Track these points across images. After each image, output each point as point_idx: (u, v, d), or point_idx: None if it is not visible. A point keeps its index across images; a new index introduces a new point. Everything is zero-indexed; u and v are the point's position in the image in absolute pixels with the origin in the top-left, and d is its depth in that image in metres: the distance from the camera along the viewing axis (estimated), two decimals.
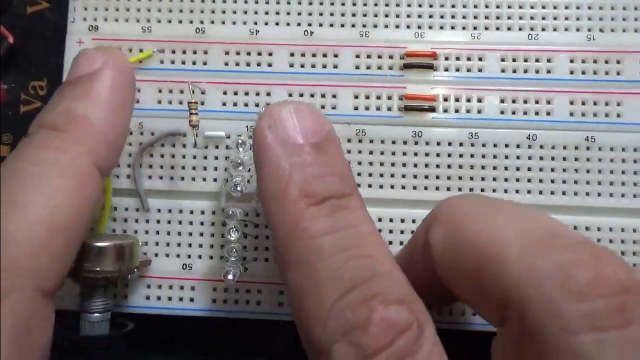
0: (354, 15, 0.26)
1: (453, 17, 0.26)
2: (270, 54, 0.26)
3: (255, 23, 0.26)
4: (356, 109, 0.25)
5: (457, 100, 0.25)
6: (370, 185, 0.25)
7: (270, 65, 0.26)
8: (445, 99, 0.25)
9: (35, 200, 0.18)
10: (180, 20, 0.26)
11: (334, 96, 0.25)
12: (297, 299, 0.17)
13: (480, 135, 0.25)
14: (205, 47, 0.26)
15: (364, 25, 0.26)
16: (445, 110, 0.25)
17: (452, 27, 0.26)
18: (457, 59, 0.25)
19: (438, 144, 0.25)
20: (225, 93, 0.26)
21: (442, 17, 0.26)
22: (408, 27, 0.26)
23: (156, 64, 0.26)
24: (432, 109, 0.25)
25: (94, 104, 0.20)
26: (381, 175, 0.25)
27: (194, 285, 0.25)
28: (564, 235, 0.16)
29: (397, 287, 0.16)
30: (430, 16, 0.26)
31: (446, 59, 0.25)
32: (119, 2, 0.26)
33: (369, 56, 0.26)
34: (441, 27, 0.26)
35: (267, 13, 0.26)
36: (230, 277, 0.23)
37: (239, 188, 0.23)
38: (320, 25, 0.26)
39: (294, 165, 0.18)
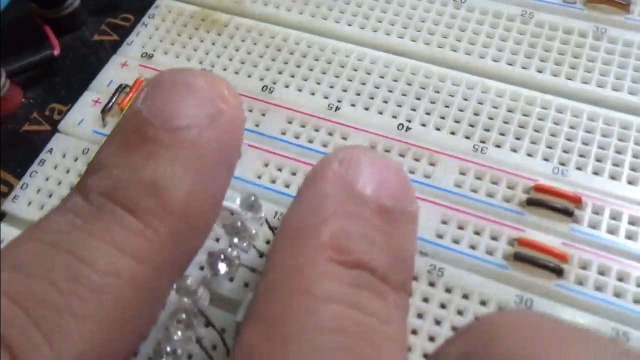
0: (471, 125, 0.18)
1: (616, 165, 0.17)
2: (344, 138, 0.19)
3: (340, 101, 0.19)
4: (440, 237, 0.16)
5: (601, 274, 0.16)
6: None
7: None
8: (583, 267, 0.16)
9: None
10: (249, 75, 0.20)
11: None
12: None
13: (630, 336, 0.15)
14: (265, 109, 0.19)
15: (483, 141, 0.18)
16: (580, 283, 0.16)
17: (612, 178, 0.17)
18: (614, 218, 0.16)
19: None
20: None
21: (599, 160, 0.17)
22: (546, 159, 0.18)
23: None
24: (558, 271, 0.16)
25: (188, 171, 0.13)
26: None
27: None
28: None
29: None
30: (581, 155, 0.18)
31: (596, 213, 0.17)
32: (180, 39, 0.21)
33: (478, 177, 0.17)
34: (595, 173, 0.17)
35: (344, 91, 0.19)
36: None
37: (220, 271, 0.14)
38: (423, 125, 0.19)
39: (344, 212, 0.13)
